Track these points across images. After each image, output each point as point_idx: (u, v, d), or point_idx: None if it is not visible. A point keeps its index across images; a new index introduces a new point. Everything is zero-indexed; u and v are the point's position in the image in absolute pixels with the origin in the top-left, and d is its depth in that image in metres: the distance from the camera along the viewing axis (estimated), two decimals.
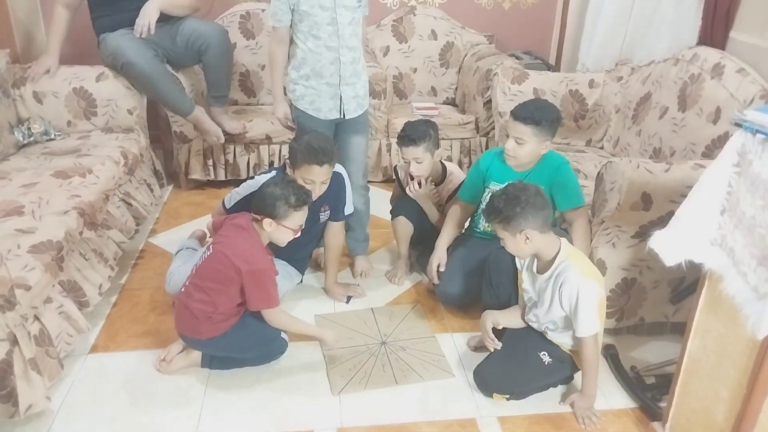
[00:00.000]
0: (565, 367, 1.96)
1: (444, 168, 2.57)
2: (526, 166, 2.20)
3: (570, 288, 1.79)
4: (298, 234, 2.01)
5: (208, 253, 1.99)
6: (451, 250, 2.44)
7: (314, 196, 2.16)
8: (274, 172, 2.27)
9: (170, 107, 3.13)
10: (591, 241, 2.12)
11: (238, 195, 2.30)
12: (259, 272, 1.91)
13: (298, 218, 1.97)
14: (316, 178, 2.14)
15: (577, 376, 1.98)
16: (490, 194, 1.86)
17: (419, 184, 2.46)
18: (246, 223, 1.99)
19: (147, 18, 2.97)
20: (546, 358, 1.92)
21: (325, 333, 2.10)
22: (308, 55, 2.35)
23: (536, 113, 2.09)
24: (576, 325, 1.81)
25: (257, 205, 1.97)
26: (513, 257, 2.05)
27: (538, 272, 1.89)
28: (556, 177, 2.17)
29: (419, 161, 2.39)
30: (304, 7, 2.28)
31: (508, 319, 2.04)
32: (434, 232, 2.58)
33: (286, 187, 1.95)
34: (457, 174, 2.57)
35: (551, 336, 1.94)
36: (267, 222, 1.94)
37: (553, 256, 1.84)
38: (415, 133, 2.35)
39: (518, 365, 1.93)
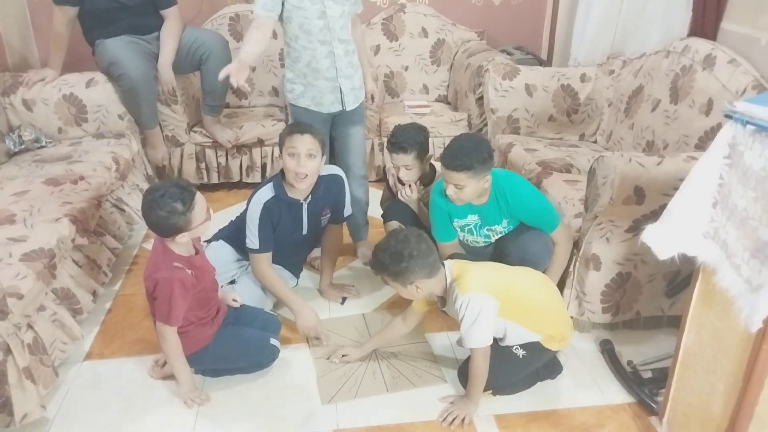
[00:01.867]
0: (543, 353, 1.95)
1: (433, 168, 2.56)
2: (480, 199, 2.15)
3: (457, 305, 1.82)
4: (210, 218, 1.87)
5: None
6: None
7: (300, 169, 2.11)
8: (270, 184, 2.23)
9: (137, 118, 3.09)
10: (566, 264, 2.18)
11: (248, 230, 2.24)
12: (158, 281, 1.80)
13: (198, 214, 1.80)
14: (299, 147, 2.09)
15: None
16: (403, 236, 1.84)
17: (410, 188, 2.45)
18: (157, 240, 1.87)
19: (169, 84, 3.09)
20: (519, 351, 1.93)
21: (184, 383, 1.93)
22: (302, 52, 2.37)
23: (465, 159, 1.99)
24: (463, 338, 1.84)
25: (161, 233, 1.81)
26: (495, 255, 2.22)
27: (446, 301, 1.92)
28: (520, 207, 2.13)
29: (409, 168, 2.37)
30: (292, 0, 2.28)
31: (377, 341, 2.13)
32: (427, 231, 2.57)
33: (163, 201, 1.74)
34: None
35: (503, 344, 1.95)
36: (180, 236, 1.80)
37: (445, 286, 1.88)
38: (407, 140, 2.32)
39: (496, 362, 1.90)
